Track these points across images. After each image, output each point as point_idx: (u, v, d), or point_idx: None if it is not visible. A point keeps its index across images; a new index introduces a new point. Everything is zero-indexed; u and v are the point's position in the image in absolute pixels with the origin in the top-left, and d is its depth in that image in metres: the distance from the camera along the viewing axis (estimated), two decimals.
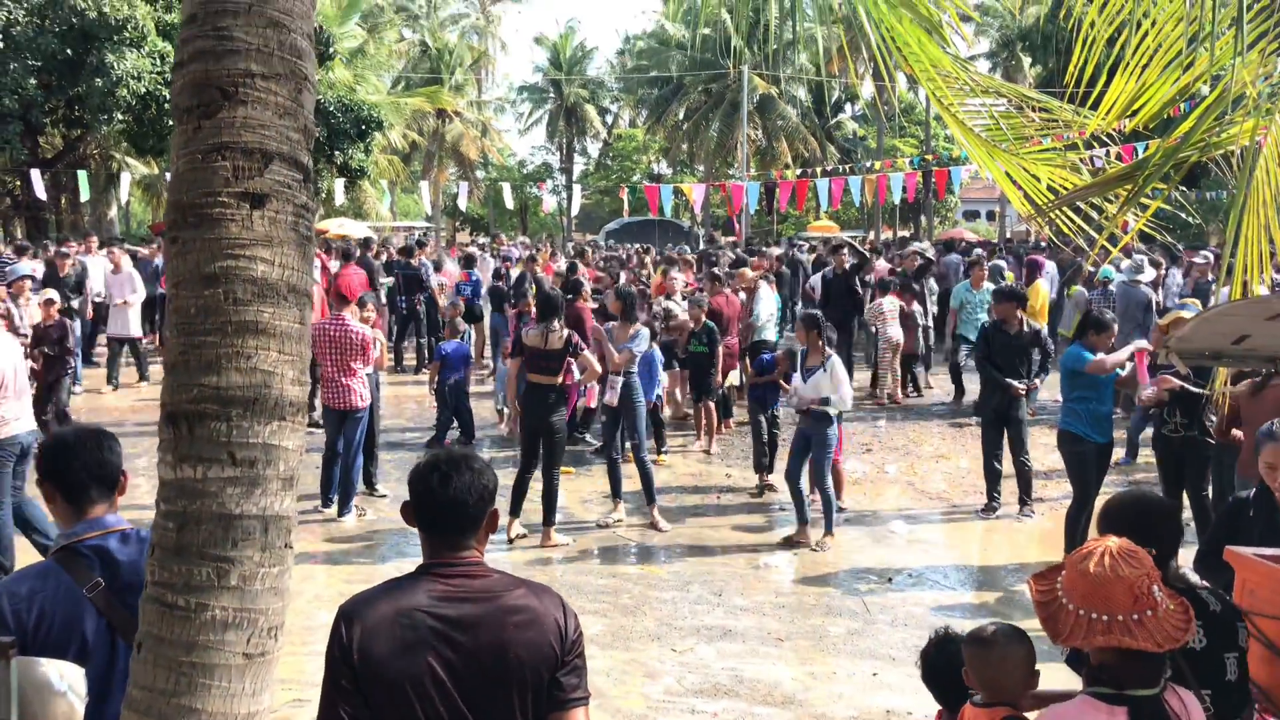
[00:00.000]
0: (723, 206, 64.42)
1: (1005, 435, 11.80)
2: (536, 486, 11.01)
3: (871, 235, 56.47)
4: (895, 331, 17.98)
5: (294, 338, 3.47)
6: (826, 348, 10.85)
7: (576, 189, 44.33)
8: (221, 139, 3.39)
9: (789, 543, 10.83)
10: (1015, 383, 11.63)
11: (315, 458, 12.10)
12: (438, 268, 23.08)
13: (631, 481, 12.42)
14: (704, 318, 14.79)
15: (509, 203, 40.65)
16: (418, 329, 21.79)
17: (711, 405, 14.93)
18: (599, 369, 11.15)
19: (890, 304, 18.04)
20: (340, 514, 11.57)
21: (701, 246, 35.64)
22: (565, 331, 10.74)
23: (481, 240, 47.67)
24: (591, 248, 33.42)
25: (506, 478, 11.15)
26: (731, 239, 44.70)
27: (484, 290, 21.14)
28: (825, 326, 11.03)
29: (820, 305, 18.62)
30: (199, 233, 3.39)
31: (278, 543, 3.43)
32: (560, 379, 10.68)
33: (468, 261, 22.02)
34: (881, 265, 23.15)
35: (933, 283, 20.71)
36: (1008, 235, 52.65)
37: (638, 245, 36.05)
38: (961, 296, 17.69)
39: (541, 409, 10.69)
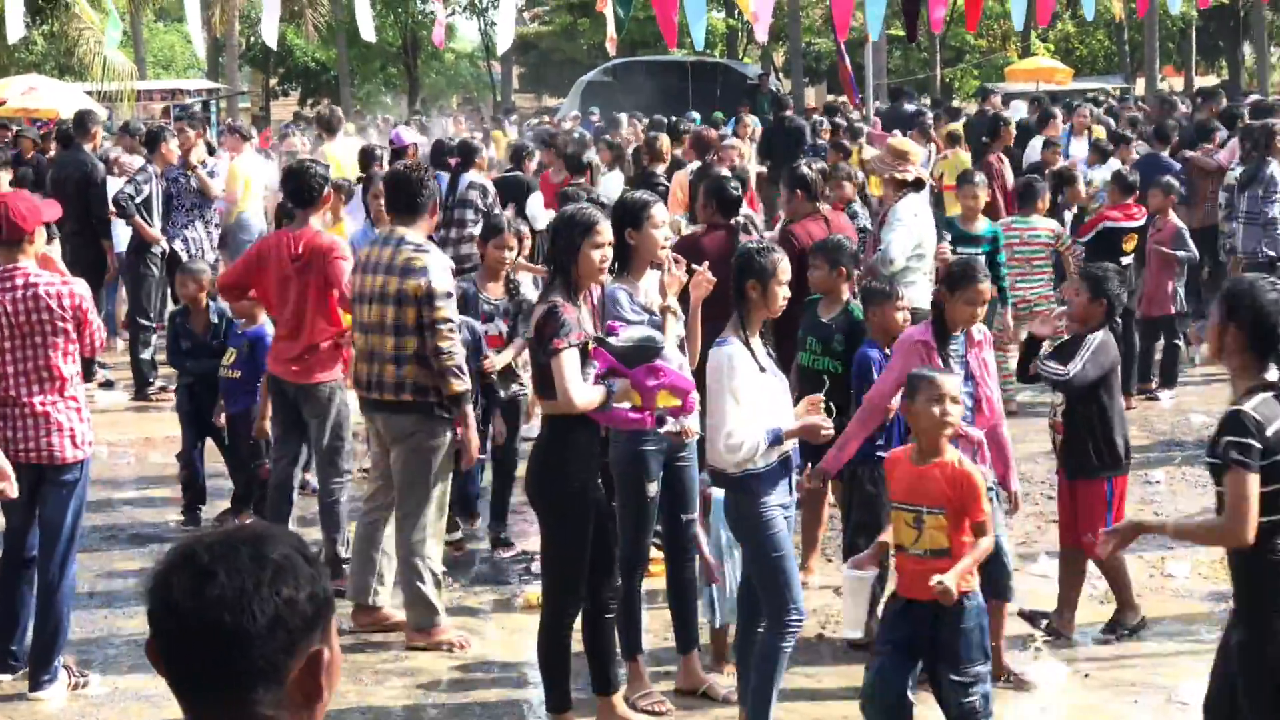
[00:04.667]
0: (825, 30, 39.07)
1: None
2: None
3: (1140, 86, 33.66)
4: None
5: None
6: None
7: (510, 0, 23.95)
8: None
9: None
10: None
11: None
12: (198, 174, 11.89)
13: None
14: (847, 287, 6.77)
15: (367, 32, 23.30)
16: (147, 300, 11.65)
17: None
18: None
19: None
20: (34, 687, 6.54)
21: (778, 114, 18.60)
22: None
23: (323, 111, 19.44)
24: (549, 129, 19.13)
25: None
26: (839, 104, 22.12)
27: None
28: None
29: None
30: None
31: None
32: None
33: (364, 162, 11.68)
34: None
35: None
36: None
37: (644, 120, 19.36)
38: None
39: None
